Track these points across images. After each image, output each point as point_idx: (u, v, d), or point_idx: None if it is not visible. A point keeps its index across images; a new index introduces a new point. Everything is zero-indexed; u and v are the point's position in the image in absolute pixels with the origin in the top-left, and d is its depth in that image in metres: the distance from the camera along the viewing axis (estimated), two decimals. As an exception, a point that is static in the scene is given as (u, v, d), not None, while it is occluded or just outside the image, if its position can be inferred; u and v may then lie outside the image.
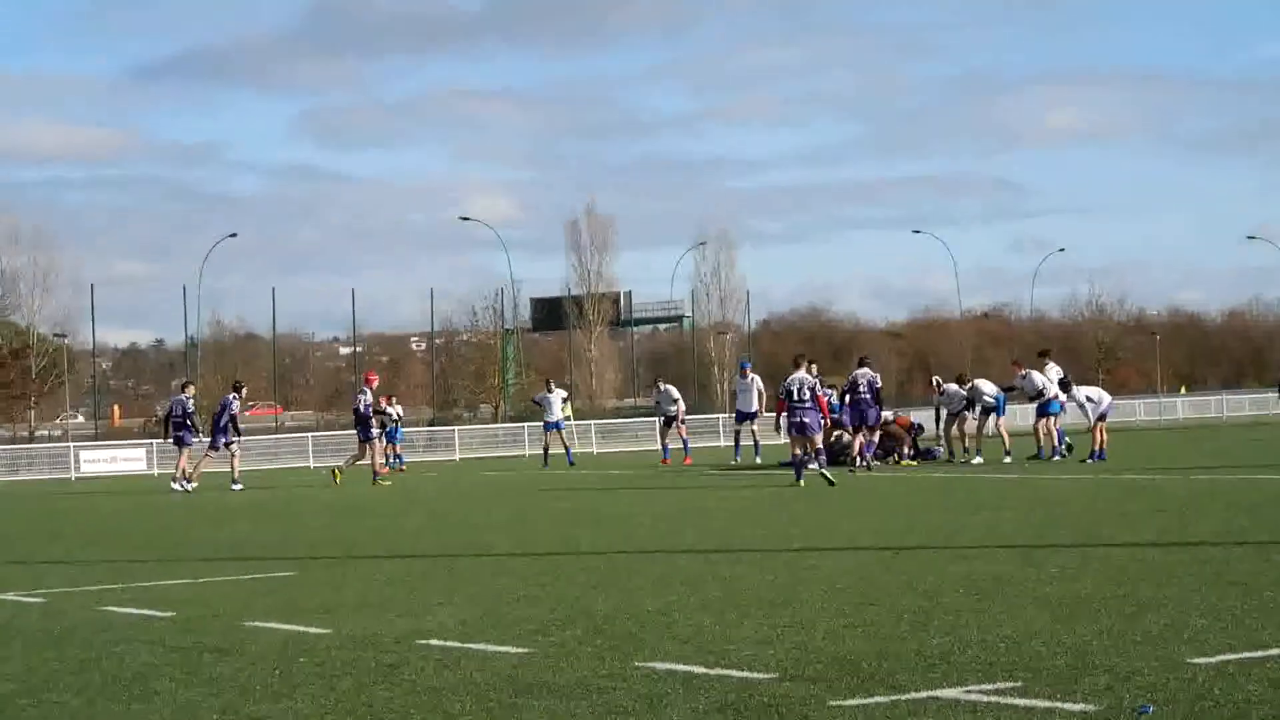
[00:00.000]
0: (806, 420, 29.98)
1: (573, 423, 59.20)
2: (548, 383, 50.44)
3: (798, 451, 30.33)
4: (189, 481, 39.38)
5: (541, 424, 48.51)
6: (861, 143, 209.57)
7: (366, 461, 39.66)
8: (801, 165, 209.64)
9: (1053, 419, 38.52)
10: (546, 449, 47.61)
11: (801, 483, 29.45)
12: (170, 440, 41.57)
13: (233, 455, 40.44)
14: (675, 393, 46.44)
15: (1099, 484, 27.46)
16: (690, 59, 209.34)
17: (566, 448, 47.80)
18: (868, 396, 36.67)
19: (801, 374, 30.48)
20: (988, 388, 39.62)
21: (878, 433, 37.62)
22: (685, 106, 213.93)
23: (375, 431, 40.04)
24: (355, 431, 40.70)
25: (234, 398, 40.93)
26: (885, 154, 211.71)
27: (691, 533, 20.29)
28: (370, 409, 39.80)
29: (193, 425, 40.34)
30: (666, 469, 42.05)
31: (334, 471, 40.69)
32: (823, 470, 29.66)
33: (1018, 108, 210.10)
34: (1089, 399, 37.27)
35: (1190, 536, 16.94)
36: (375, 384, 41.76)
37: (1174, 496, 23.50)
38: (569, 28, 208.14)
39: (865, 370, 37.66)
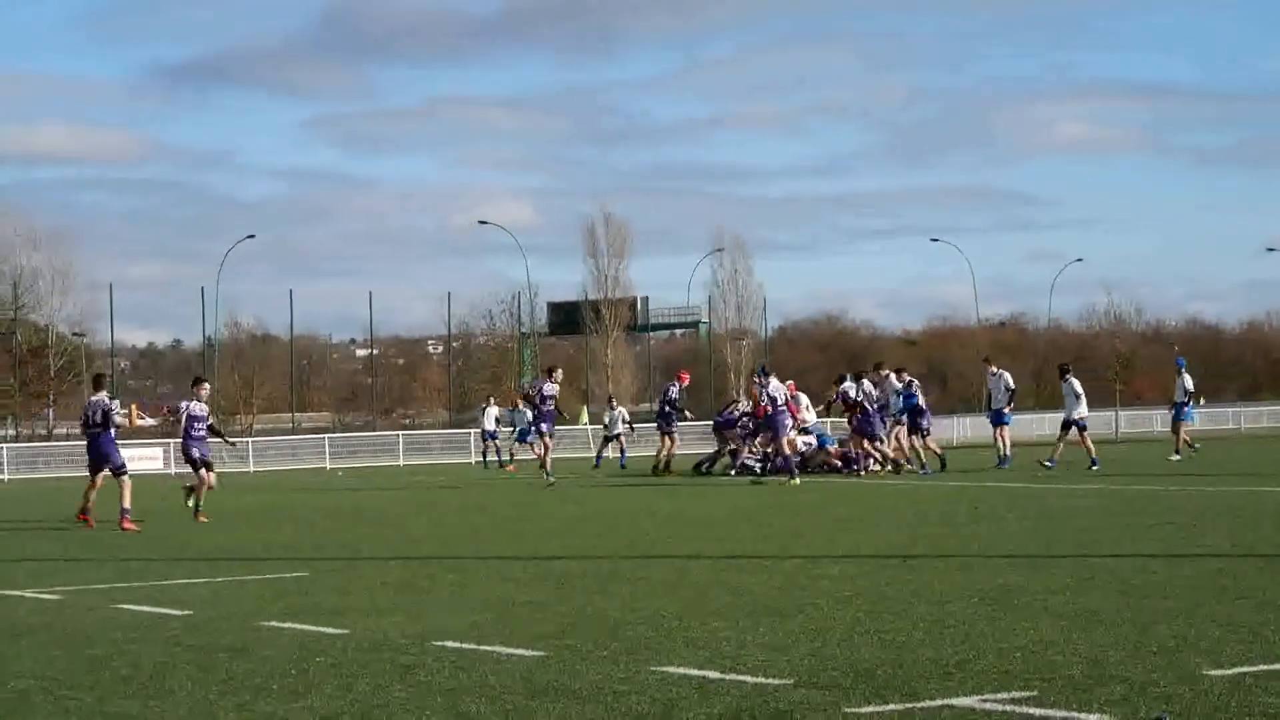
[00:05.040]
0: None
1: (589, 428, 59.39)
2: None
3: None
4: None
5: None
6: (875, 153, 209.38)
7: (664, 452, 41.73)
8: (815, 175, 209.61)
9: (1005, 428, 39.15)
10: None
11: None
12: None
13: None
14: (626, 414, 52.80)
15: (1108, 495, 27.39)
16: (704, 67, 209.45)
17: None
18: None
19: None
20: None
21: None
22: (699, 114, 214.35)
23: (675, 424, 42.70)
24: (658, 424, 43.59)
25: (547, 382, 37.77)
26: (899, 164, 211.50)
27: (698, 539, 20.28)
28: (676, 402, 42.86)
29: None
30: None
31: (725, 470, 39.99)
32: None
33: (1032, 118, 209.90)
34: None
35: (1199, 549, 16.91)
36: (686, 381, 44.39)
37: (1184, 509, 23.43)
38: (583, 35, 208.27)
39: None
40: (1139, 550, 16.87)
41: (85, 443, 26.83)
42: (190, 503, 26.63)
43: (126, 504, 24.97)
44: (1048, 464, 36.24)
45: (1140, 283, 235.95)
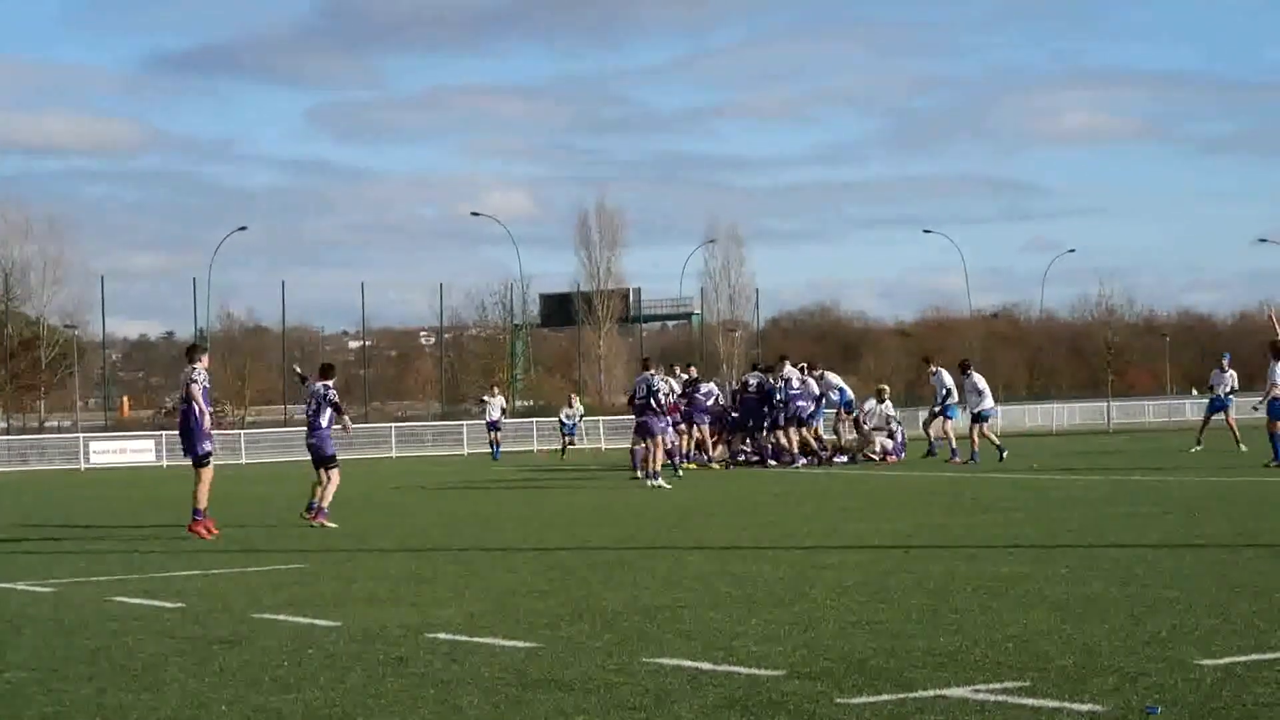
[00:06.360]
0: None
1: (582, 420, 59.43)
2: None
3: None
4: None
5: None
6: (874, 142, 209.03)
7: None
8: (813, 164, 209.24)
9: (948, 421, 39.29)
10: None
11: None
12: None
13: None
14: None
15: (1108, 485, 27.45)
16: (704, 55, 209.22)
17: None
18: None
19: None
20: (834, 379, 40.77)
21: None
22: (698, 103, 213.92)
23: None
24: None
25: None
26: (898, 153, 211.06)
27: (701, 530, 20.30)
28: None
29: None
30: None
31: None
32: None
33: (1037, 107, 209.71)
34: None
35: (1198, 539, 16.95)
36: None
37: (1182, 499, 23.48)
38: (583, 23, 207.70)
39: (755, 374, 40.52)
40: (1140, 540, 16.90)
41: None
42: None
43: (325, 501, 23.00)
44: (973, 459, 36.82)
45: (1142, 272, 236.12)
